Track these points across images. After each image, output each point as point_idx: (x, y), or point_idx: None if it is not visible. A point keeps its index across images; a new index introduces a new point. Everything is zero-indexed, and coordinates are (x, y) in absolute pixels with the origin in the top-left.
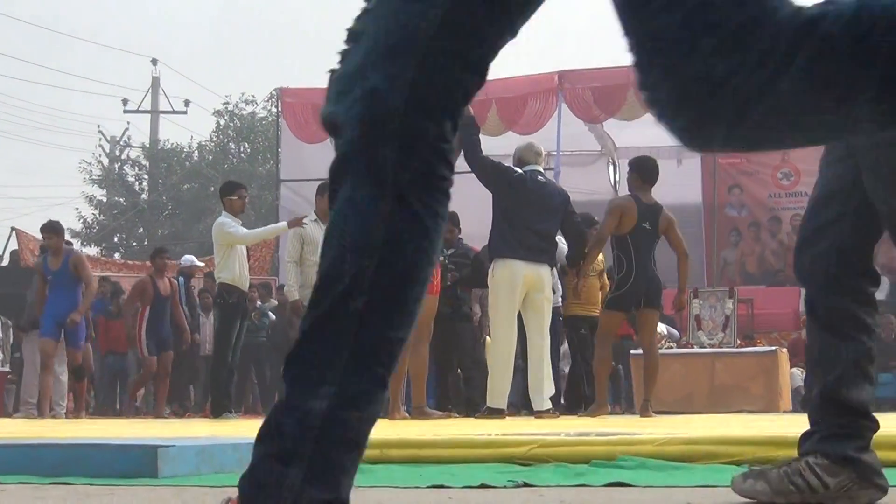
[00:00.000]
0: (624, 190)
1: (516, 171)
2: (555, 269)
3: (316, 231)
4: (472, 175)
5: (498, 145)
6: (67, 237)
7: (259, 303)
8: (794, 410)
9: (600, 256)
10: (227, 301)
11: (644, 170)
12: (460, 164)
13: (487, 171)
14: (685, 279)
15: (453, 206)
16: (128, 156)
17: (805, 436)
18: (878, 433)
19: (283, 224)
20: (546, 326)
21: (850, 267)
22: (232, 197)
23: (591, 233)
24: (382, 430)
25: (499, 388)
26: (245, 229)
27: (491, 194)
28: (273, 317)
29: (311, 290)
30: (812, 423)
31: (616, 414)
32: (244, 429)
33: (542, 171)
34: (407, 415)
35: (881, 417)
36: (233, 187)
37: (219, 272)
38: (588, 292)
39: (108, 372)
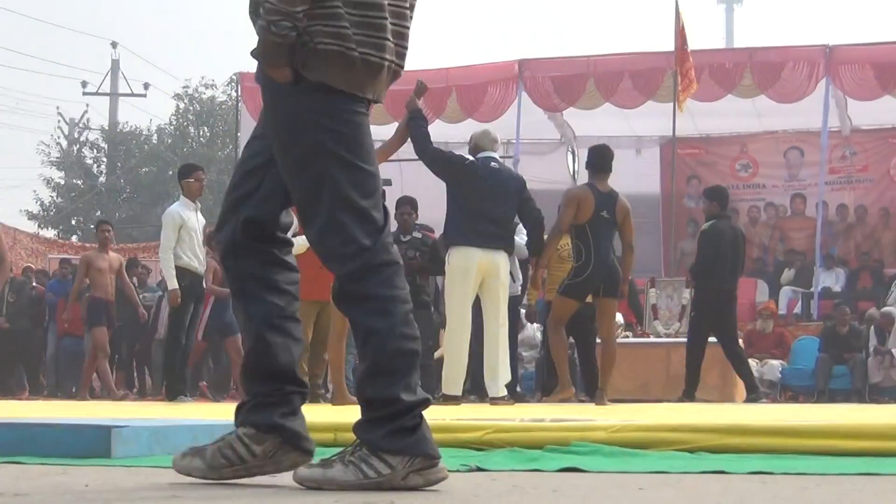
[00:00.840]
0: (583, 179)
1: (467, 159)
2: (515, 258)
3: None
4: None
5: (457, 133)
6: (25, 219)
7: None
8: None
9: (567, 241)
10: (179, 284)
11: (598, 158)
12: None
13: (437, 162)
14: (629, 270)
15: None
16: (86, 138)
17: (238, 408)
18: (832, 423)
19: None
20: (502, 313)
21: (256, 234)
22: (189, 179)
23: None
24: (336, 415)
25: (453, 375)
26: (172, 242)
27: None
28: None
29: None
30: (246, 393)
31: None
32: (198, 411)
33: (496, 157)
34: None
35: (834, 408)
36: (190, 170)
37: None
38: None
39: (64, 354)
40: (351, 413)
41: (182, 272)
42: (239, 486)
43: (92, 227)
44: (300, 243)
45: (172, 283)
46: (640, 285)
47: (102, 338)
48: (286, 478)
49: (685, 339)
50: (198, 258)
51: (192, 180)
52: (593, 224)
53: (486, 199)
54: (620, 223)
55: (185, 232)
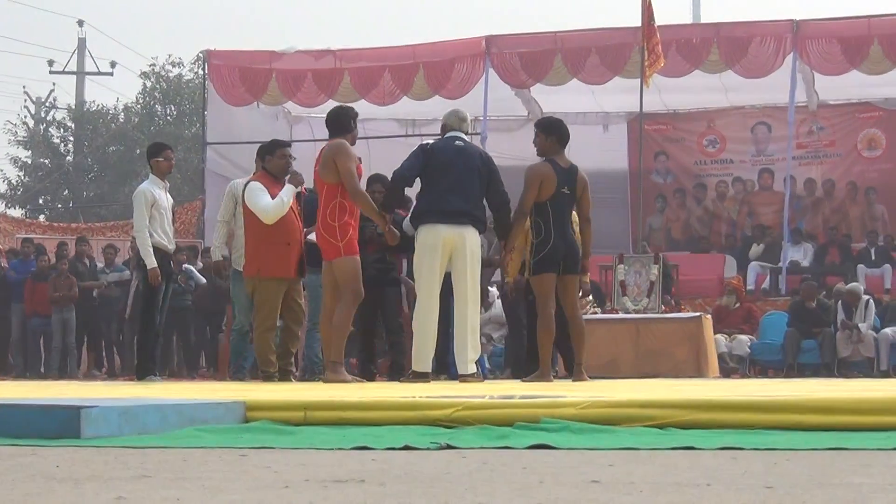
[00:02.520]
0: None
1: (427, 145)
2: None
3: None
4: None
5: (425, 110)
6: None
7: (184, 266)
8: (725, 376)
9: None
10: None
11: (559, 131)
12: (390, 129)
13: (411, 172)
14: (589, 243)
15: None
16: (53, 117)
17: None
18: (801, 397)
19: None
20: (471, 289)
21: None
22: (158, 158)
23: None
24: (306, 392)
25: (423, 353)
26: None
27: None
28: (203, 279)
29: (241, 254)
30: None
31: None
32: (167, 391)
33: (461, 136)
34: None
35: (803, 383)
36: (159, 148)
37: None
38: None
39: (32, 334)
40: (322, 391)
41: (153, 251)
42: (211, 465)
43: (59, 206)
44: (271, 211)
45: (151, 262)
46: (608, 261)
47: None
48: (254, 456)
49: (654, 315)
50: (167, 236)
51: (162, 159)
52: (554, 201)
53: (449, 177)
54: (579, 197)
55: (156, 210)
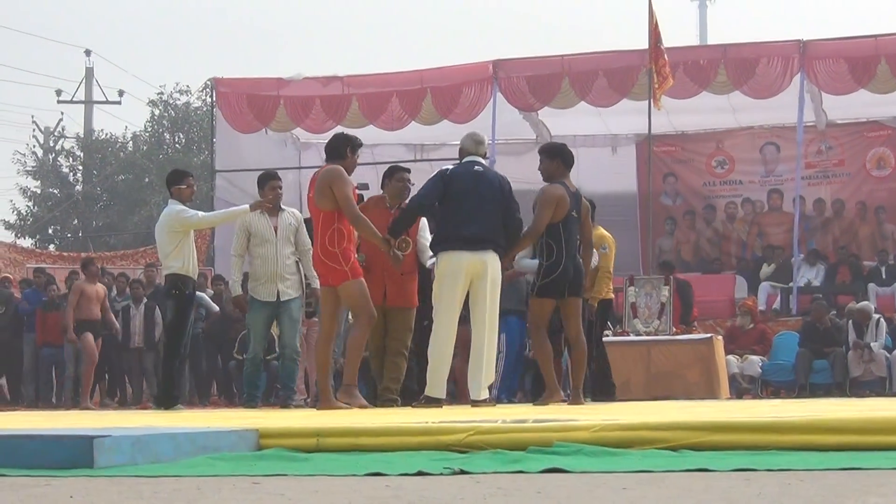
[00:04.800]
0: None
1: (447, 171)
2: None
3: (262, 223)
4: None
5: (432, 135)
6: (2, 228)
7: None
8: (737, 397)
9: None
10: (183, 292)
11: (563, 154)
12: (398, 154)
13: (430, 199)
14: (590, 268)
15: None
16: (62, 147)
17: None
18: (813, 417)
19: (244, 206)
20: (490, 315)
21: None
22: (181, 186)
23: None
24: (319, 419)
25: (437, 378)
26: (202, 213)
27: None
28: (215, 307)
29: (260, 282)
30: None
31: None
32: (180, 419)
33: (479, 160)
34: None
35: (815, 403)
36: (181, 176)
37: (170, 262)
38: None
39: (43, 364)
40: (334, 418)
41: (184, 280)
42: (225, 493)
43: (69, 235)
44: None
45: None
46: (619, 284)
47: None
48: (267, 484)
49: (665, 337)
50: (195, 265)
51: (185, 186)
52: (566, 223)
53: (470, 203)
54: (582, 222)
55: (187, 237)
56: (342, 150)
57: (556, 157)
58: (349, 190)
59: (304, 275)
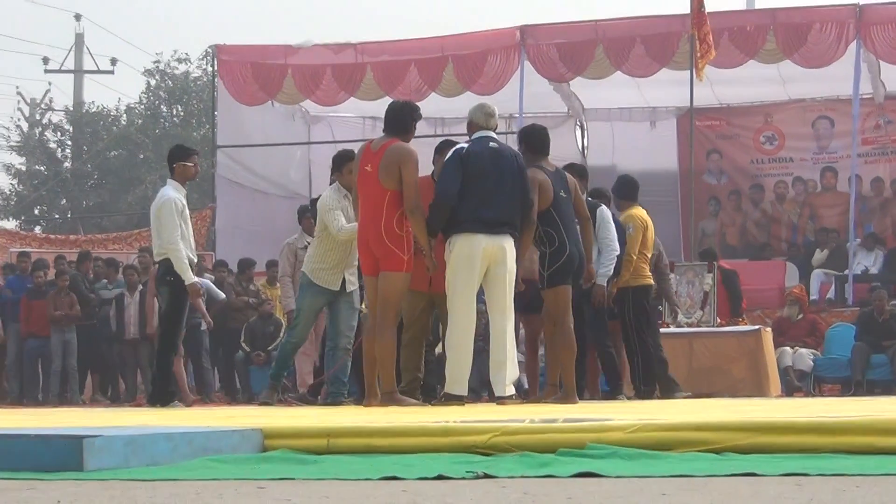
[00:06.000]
0: (592, 154)
1: (462, 149)
2: None
3: (347, 206)
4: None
5: (454, 107)
6: None
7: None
8: (788, 394)
9: None
10: (180, 278)
11: (531, 139)
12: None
13: (451, 183)
14: (591, 245)
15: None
16: (49, 120)
17: None
18: (871, 417)
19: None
20: (509, 304)
21: None
22: (186, 163)
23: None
24: (330, 418)
25: (457, 373)
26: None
27: None
28: (223, 295)
29: (327, 268)
30: None
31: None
32: (178, 417)
33: (492, 135)
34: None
35: (873, 401)
36: (186, 153)
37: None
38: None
39: (29, 357)
40: (346, 416)
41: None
42: (227, 499)
43: (57, 216)
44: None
45: (189, 277)
46: None
47: None
48: (273, 488)
49: (709, 329)
50: (192, 249)
51: (190, 164)
52: (557, 206)
53: (487, 183)
54: (574, 198)
55: (182, 220)
56: (408, 123)
57: (522, 143)
58: (417, 177)
59: None
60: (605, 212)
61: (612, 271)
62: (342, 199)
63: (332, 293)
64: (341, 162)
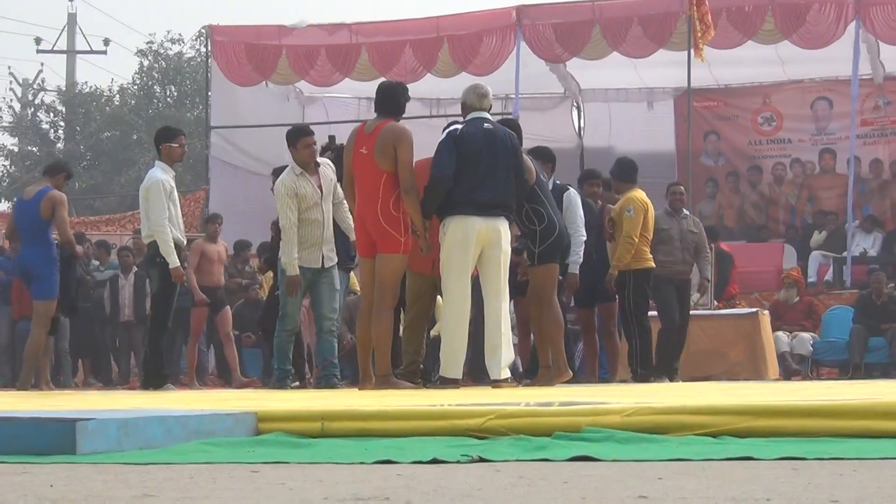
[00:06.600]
0: (589, 135)
1: (455, 130)
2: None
3: (307, 186)
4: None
5: (450, 88)
6: None
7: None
8: (786, 378)
9: None
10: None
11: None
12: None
13: (452, 169)
14: None
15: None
16: (41, 101)
17: None
18: (869, 401)
19: (175, 260)
20: (504, 286)
21: None
22: (173, 144)
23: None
24: (324, 401)
25: (452, 356)
26: (168, 225)
27: None
28: None
29: (304, 247)
30: None
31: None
32: (171, 401)
33: (486, 116)
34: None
35: (871, 385)
36: (172, 133)
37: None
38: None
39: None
40: (340, 399)
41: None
42: (220, 483)
43: None
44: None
45: (174, 260)
46: None
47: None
48: (267, 472)
49: (705, 312)
50: (181, 231)
51: (176, 145)
52: (539, 185)
53: (481, 165)
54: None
55: (171, 201)
56: (401, 102)
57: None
58: (412, 156)
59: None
60: (572, 195)
61: (581, 258)
62: (298, 178)
63: (313, 271)
64: (295, 137)
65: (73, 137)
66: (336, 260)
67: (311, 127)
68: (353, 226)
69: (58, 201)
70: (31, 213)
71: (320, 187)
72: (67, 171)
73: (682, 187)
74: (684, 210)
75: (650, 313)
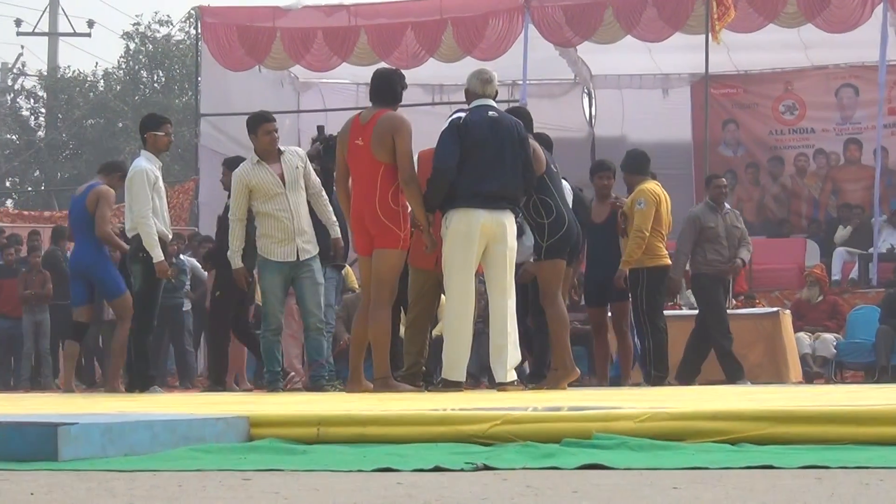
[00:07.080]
0: (601, 124)
1: (460, 119)
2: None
3: (263, 174)
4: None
5: (454, 73)
6: None
7: (180, 257)
8: (808, 381)
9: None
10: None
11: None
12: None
13: (456, 159)
14: None
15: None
16: (22, 86)
17: None
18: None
19: (160, 255)
20: (510, 283)
21: None
22: (158, 132)
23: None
24: (321, 405)
25: (455, 357)
26: (151, 217)
27: None
28: (202, 274)
29: (274, 241)
30: None
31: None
32: (158, 404)
33: (491, 104)
34: (371, 386)
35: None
36: (158, 121)
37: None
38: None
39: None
40: (337, 403)
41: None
42: (210, 491)
43: (30, 189)
44: None
45: (158, 255)
46: (671, 248)
47: None
48: (260, 480)
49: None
50: (167, 224)
51: (162, 133)
52: (549, 175)
53: (486, 155)
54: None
55: (156, 193)
56: (397, 90)
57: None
58: (411, 146)
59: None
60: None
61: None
62: (254, 168)
63: (290, 266)
64: (256, 123)
65: (55, 125)
66: (315, 252)
67: (308, 115)
68: (333, 219)
69: (103, 195)
70: (79, 208)
71: (282, 176)
72: (123, 171)
73: (724, 179)
74: (725, 204)
75: (667, 312)
